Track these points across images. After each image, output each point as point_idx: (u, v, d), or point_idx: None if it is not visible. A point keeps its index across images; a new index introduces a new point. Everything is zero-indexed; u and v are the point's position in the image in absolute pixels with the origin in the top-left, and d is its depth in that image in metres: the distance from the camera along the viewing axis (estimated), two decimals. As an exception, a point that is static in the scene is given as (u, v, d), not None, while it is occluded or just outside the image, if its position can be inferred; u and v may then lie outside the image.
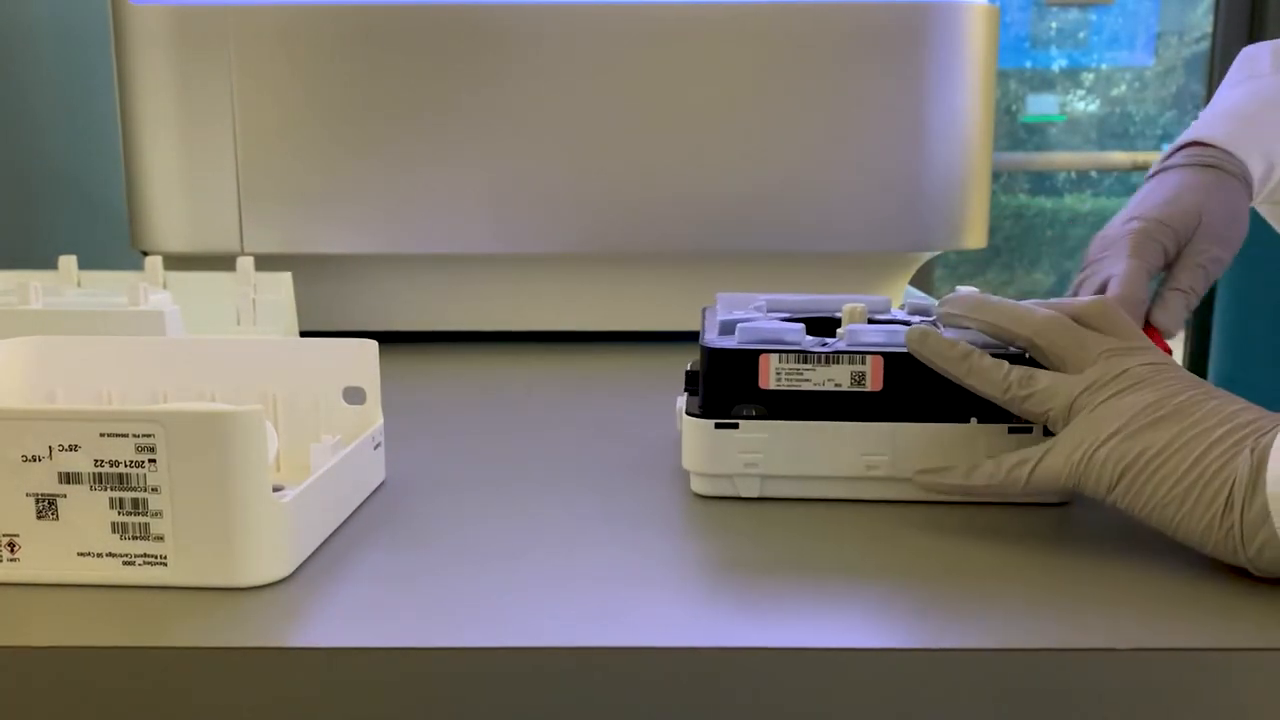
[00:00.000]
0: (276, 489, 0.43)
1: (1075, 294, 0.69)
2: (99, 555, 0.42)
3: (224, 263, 0.81)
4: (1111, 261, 0.68)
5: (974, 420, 0.51)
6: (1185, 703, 0.37)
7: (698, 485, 0.54)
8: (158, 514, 0.41)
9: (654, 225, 0.91)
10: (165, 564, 0.41)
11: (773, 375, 0.51)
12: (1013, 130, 2.64)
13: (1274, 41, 0.80)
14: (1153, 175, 0.72)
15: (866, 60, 0.89)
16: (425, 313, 0.97)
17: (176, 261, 0.84)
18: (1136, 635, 0.38)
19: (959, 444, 0.51)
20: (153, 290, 0.70)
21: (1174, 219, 0.68)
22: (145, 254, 0.83)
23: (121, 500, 0.41)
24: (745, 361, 0.51)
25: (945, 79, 0.90)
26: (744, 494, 0.53)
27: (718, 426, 0.52)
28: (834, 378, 0.51)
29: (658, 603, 0.41)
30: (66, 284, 0.77)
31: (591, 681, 0.37)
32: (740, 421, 0.52)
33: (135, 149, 0.90)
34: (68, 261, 0.78)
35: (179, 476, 0.41)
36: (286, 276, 0.80)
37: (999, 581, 0.43)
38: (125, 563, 0.42)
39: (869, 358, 0.51)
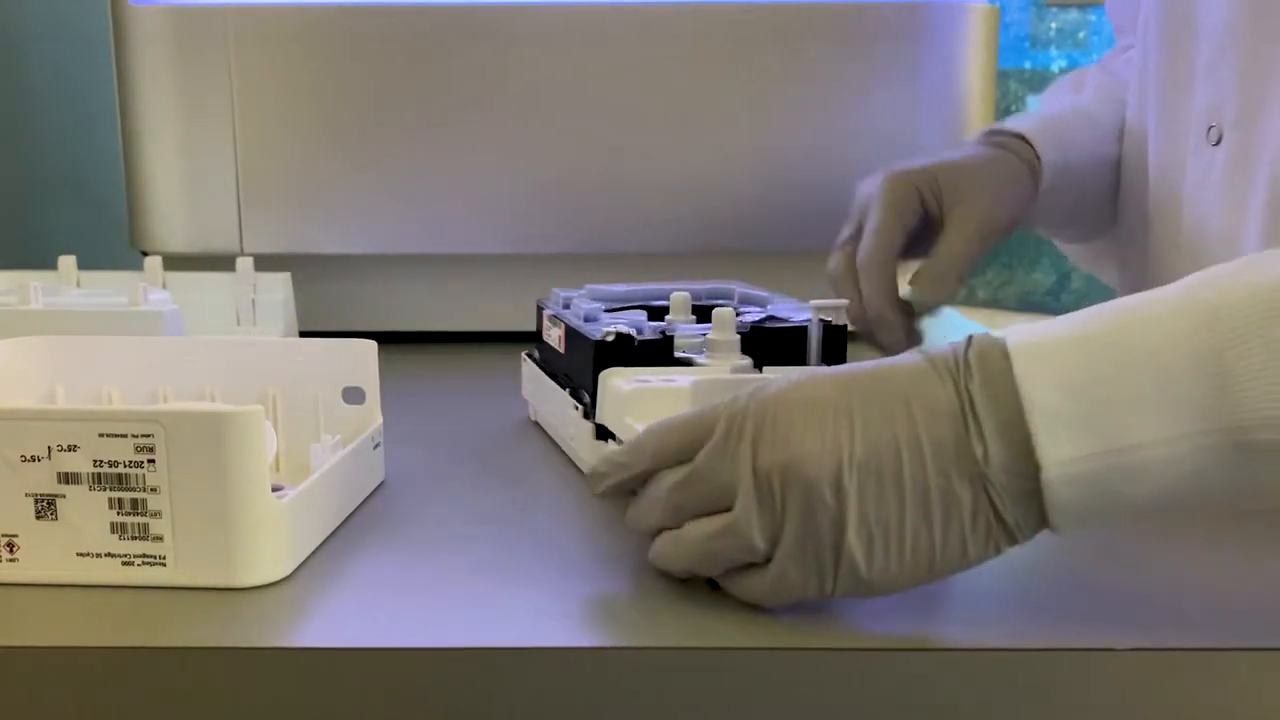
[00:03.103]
0: (276, 489, 0.43)
1: (842, 247, 0.68)
2: (98, 555, 0.42)
3: (224, 263, 0.81)
4: (870, 213, 0.65)
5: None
6: (1185, 702, 0.37)
7: None
8: (157, 514, 0.41)
9: (653, 225, 0.91)
10: (165, 564, 0.41)
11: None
12: (1013, 130, 2.63)
13: (1095, 65, 0.80)
14: None
15: (865, 60, 0.89)
16: (425, 313, 0.97)
17: (176, 261, 0.84)
18: (1136, 635, 0.38)
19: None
20: (153, 290, 0.70)
21: (937, 167, 0.65)
22: (145, 254, 0.83)
23: (121, 500, 0.41)
24: None
25: (945, 79, 0.90)
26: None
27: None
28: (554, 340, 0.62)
29: (658, 598, 0.41)
30: (66, 284, 0.77)
31: (596, 680, 0.37)
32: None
33: (135, 149, 0.90)
34: (68, 261, 0.78)
35: (178, 476, 0.41)
36: (286, 276, 0.80)
37: (995, 580, 0.43)
38: (125, 563, 0.42)
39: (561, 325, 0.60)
